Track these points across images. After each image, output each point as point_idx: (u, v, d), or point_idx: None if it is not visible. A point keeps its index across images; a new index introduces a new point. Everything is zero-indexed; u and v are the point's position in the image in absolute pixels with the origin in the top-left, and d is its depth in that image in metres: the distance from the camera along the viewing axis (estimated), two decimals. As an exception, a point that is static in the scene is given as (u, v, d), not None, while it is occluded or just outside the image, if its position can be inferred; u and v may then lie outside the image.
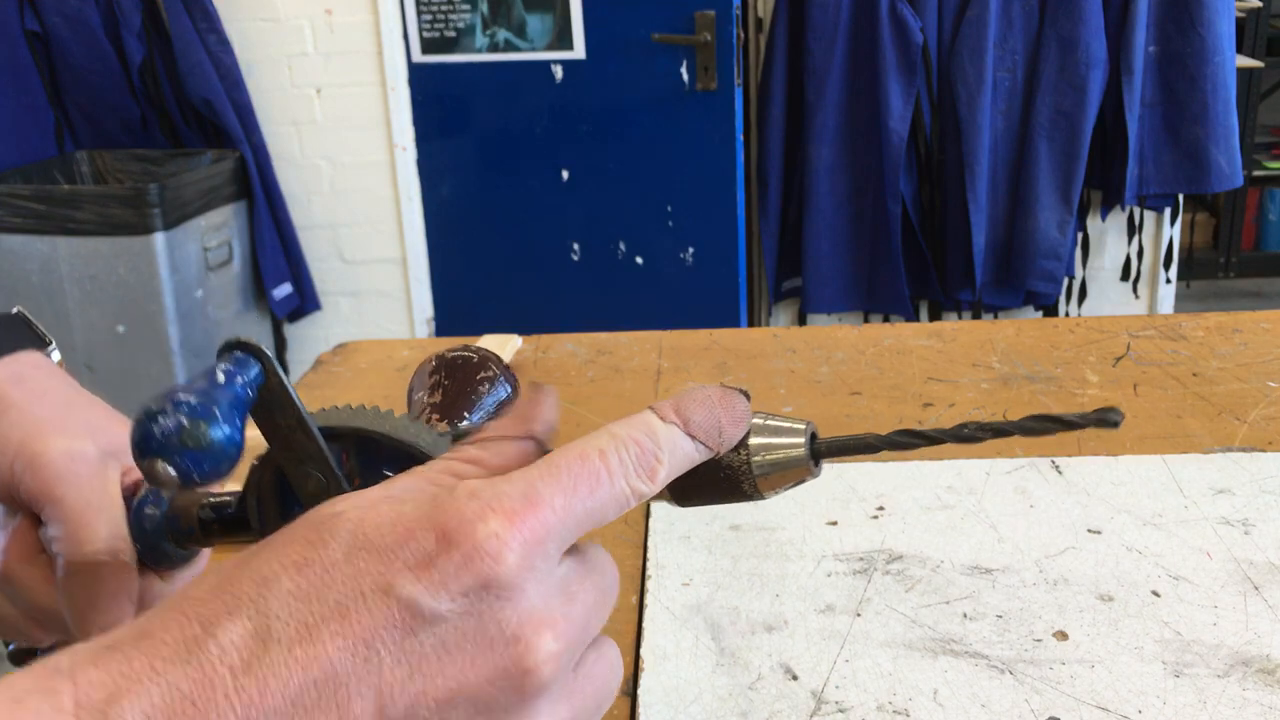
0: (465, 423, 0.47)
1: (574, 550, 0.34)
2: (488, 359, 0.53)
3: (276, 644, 0.28)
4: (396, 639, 0.29)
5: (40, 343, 0.55)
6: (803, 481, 0.39)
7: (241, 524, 0.44)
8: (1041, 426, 0.36)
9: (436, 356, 0.53)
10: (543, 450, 0.36)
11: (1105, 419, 0.35)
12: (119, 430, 0.50)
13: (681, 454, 0.36)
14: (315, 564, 0.30)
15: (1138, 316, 1.20)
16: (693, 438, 0.36)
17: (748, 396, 0.38)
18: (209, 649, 0.28)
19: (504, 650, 0.30)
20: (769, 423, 0.39)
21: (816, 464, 0.39)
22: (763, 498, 0.39)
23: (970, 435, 0.38)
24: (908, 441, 0.39)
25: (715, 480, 0.38)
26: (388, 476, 0.36)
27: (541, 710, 0.31)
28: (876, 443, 0.39)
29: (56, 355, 0.55)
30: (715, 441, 0.37)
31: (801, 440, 0.39)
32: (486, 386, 0.50)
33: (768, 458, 0.38)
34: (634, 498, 0.34)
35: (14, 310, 0.57)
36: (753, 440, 0.38)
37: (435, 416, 0.48)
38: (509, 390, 0.52)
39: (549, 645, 0.30)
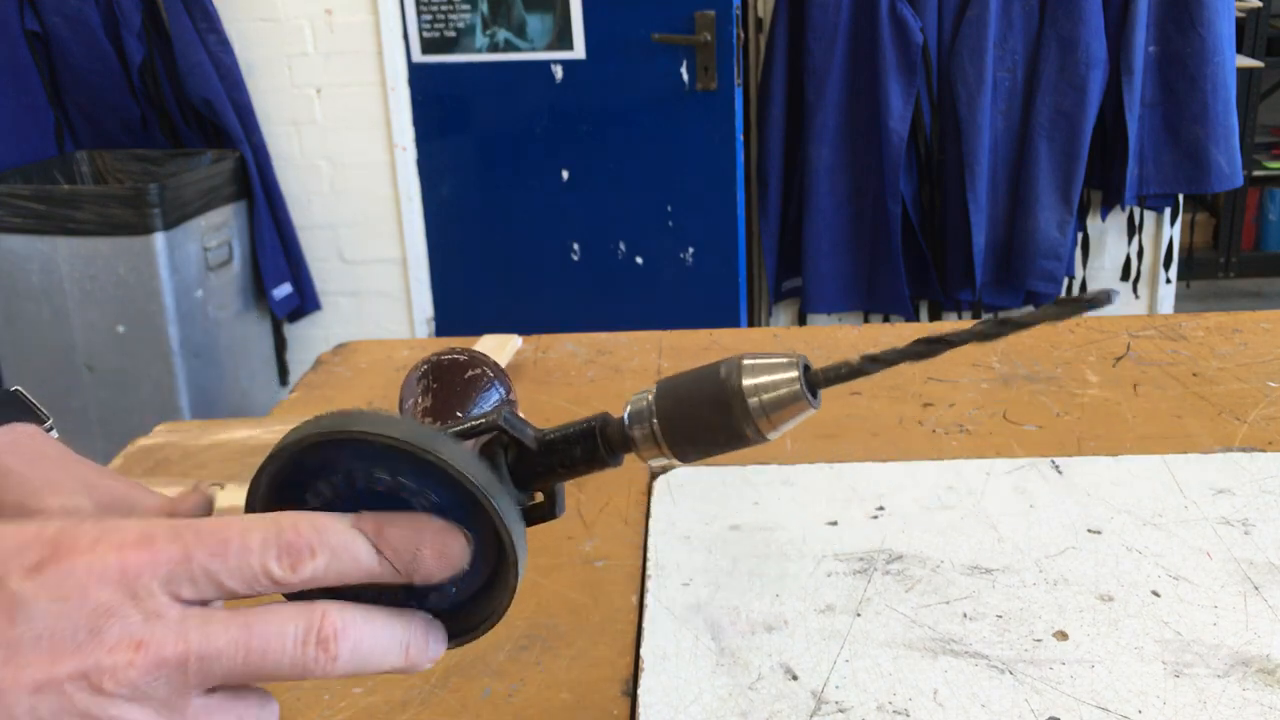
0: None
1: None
2: (477, 359, 0.52)
3: None
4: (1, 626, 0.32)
5: (38, 419, 0.56)
6: (803, 415, 0.39)
7: None
8: (1055, 312, 0.34)
9: (424, 361, 0.52)
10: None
11: (1099, 299, 0.34)
12: (112, 485, 0.52)
13: (351, 561, 0.36)
14: None
15: (1138, 316, 1.20)
16: (379, 552, 0.36)
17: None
18: None
19: (87, 655, 0.32)
20: (759, 361, 0.39)
21: (814, 396, 0.39)
22: (765, 439, 0.39)
23: (988, 332, 0.36)
24: (898, 357, 0.38)
25: (714, 428, 0.38)
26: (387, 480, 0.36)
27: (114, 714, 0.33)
28: (869, 365, 0.38)
29: (54, 434, 0.56)
30: (404, 567, 0.36)
31: (795, 374, 0.38)
32: (478, 385, 0.49)
33: (764, 397, 0.38)
34: (265, 579, 0.34)
35: (12, 389, 0.59)
36: (745, 381, 0.38)
37: (427, 421, 0.47)
38: (502, 393, 0.51)
39: (127, 658, 0.32)
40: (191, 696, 0.34)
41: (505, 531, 0.37)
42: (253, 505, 0.38)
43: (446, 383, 0.49)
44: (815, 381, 0.39)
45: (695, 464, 0.40)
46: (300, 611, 0.35)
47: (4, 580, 0.32)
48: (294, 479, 0.38)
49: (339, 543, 0.35)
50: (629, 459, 0.41)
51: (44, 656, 0.32)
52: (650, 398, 0.40)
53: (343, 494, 0.37)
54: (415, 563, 0.36)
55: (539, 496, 0.41)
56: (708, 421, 0.38)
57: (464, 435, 0.39)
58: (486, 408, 0.49)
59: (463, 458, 0.36)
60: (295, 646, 0.34)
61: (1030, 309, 0.37)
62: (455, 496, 0.37)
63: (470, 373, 0.50)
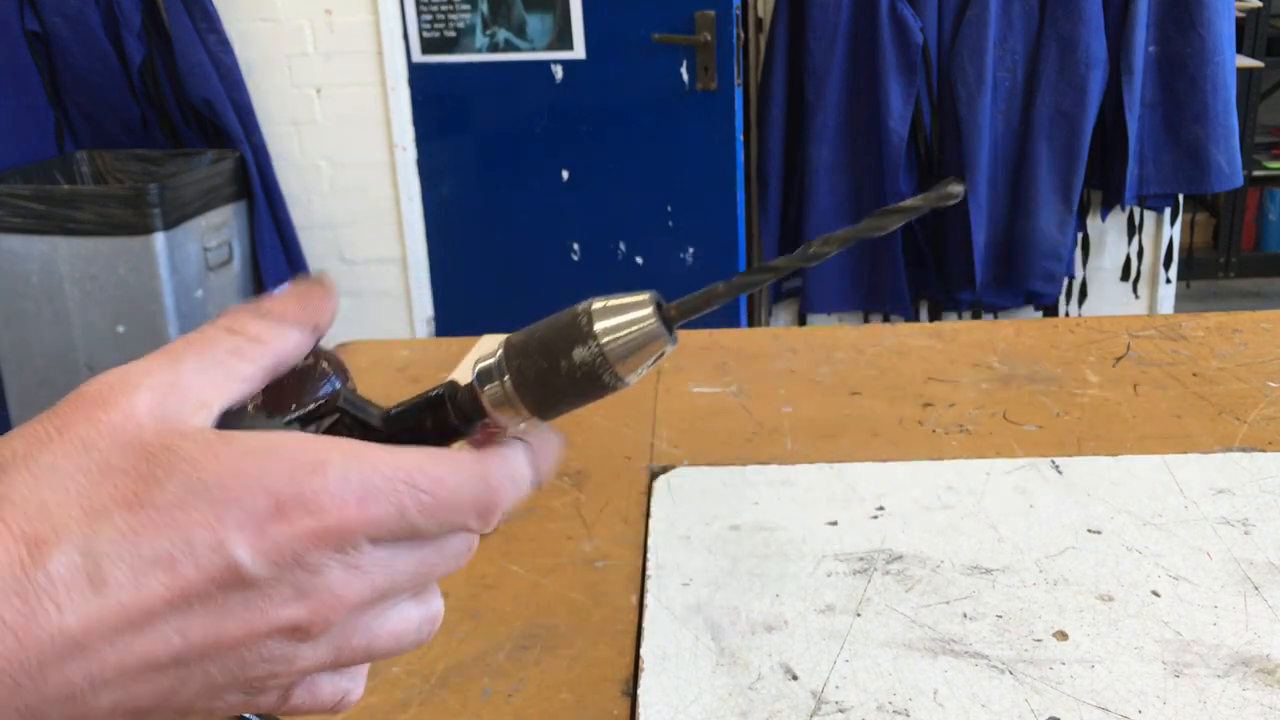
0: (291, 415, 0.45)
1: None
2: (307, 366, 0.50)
3: (107, 587, 0.29)
4: (211, 594, 0.30)
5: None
6: (662, 355, 0.37)
7: None
8: (881, 221, 0.34)
9: None
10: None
11: (944, 193, 0.33)
12: None
13: (520, 500, 0.36)
14: (148, 505, 0.29)
15: (1138, 316, 1.20)
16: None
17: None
18: (37, 579, 0.28)
19: (294, 611, 0.31)
20: (610, 303, 0.37)
21: (671, 333, 0.37)
22: (626, 384, 0.37)
23: (815, 253, 0.36)
24: (751, 280, 0.37)
25: (571, 379, 0.36)
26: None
27: (304, 655, 0.32)
28: (723, 290, 0.37)
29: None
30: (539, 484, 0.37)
31: (649, 311, 0.37)
32: (310, 376, 0.47)
33: (619, 340, 0.36)
34: (460, 530, 0.35)
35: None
36: (598, 325, 0.36)
37: (262, 414, 0.46)
38: (337, 384, 0.49)
39: (332, 617, 0.32)
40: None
41: None
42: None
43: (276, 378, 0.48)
44: (670, 317, 0.37)
45: (552, 420, 0.38)
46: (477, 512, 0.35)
47: (223, 544, 0.30)
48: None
49: (522, 491, 0.36)
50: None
51: (250, 620, 0.31)
52: (499, 355, 0.38)
53: None
54: (545, 478, 0.37)
55: None
56: (563, 372, 0.36)
57: (305, 421, 0.38)
58: (318, 400, 0.47)
59: None
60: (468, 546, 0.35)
61: (856, 225, 0.37)
62: None
63: (301, 364, 0.48)
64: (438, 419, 0.38)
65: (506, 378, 0.37)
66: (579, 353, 0.36)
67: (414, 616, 0.35)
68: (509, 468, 0.35)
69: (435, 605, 0.36)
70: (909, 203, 0.34)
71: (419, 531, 0.33)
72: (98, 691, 0.29)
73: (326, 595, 0.31)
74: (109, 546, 0.29)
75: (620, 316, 0.37)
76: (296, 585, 0.31)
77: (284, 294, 0.36)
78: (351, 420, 0.38)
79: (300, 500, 0.31)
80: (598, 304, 0.37)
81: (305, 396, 0.45)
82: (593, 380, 0.36)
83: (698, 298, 0.37)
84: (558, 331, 0.37)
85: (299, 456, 0.31)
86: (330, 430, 0.39)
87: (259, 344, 0.35)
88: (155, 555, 0.29)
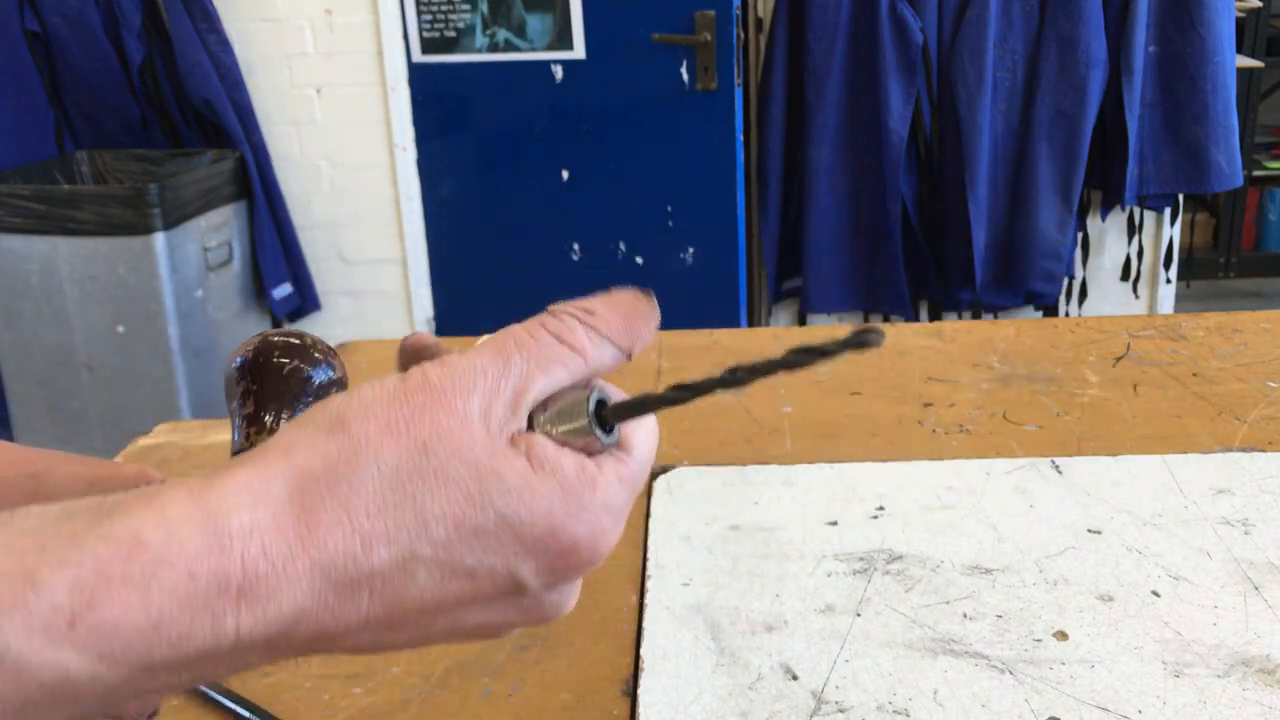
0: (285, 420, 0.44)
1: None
2: (293, 347, 0.48)
3: (416, 584, 0.33)
4: (494, 603, 0.35)
5: None
6: (600, 452, 0.37)
7: None
8: (800, 359, 0.36)
9: (241, 355, 0.48)
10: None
11: (864, 340, 0.34)
12: None
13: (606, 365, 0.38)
14: (470, 522, 0.33)
15: (1138, 316, 1.20)
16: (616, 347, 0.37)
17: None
18: (361, 565, 0.32)
19: (526, 615, 0.36)
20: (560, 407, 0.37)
21: (609, 433, 0.37)
22: None
23: (736, 379, 0.37)
24: (678, 396, 0.37)
25: None
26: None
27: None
28: (652, 401, 0.37)
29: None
30: (630, 346, 0.38)
31: (585, 419, 0.36)
32: (297, 378, 0.47)
33: (556, 430, 0.36)
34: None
35: None
36: (540, 416, 0.36)
37: (252, 430, 0.45)
38: (329, 375, 0.48)
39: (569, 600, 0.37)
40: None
41: None
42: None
43: (264, 384, 0.47)
44: (606, 419, 0.36)
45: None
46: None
47: (519, 574, 0.34)
48: None
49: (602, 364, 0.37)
50: None
51: (518, 612, 0.36)
52: None
53: None
54: (638, 340, 0.38)
55: None
56: None
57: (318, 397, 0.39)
58: (311, 398, 0.47)
59: None
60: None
61: (778, 357, 0.37)
62: None
63: (287, 367, 0.48)
64: None
65: None
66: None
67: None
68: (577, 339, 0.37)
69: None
70: (828, 345, 0.35)
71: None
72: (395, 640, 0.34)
73: (548, 610, 0.36)
74: (429, 553, 0.33)
75: (559, 405, 0.36)
76: (537, 601, 0.36)
77: (612, 305, 0.37)
78: None
79: (588, 544, 0.35)
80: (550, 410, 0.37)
81: (294, 402, 0.45)
82: None
83: (631, 404, 0.37)
84: None
85: (593, 501, 0.35)
86: None
87: (581, 356, 0.36)
88: (461, 566, 0.33)
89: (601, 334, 0.36)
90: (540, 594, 0.35)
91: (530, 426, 0.36)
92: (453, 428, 0.33)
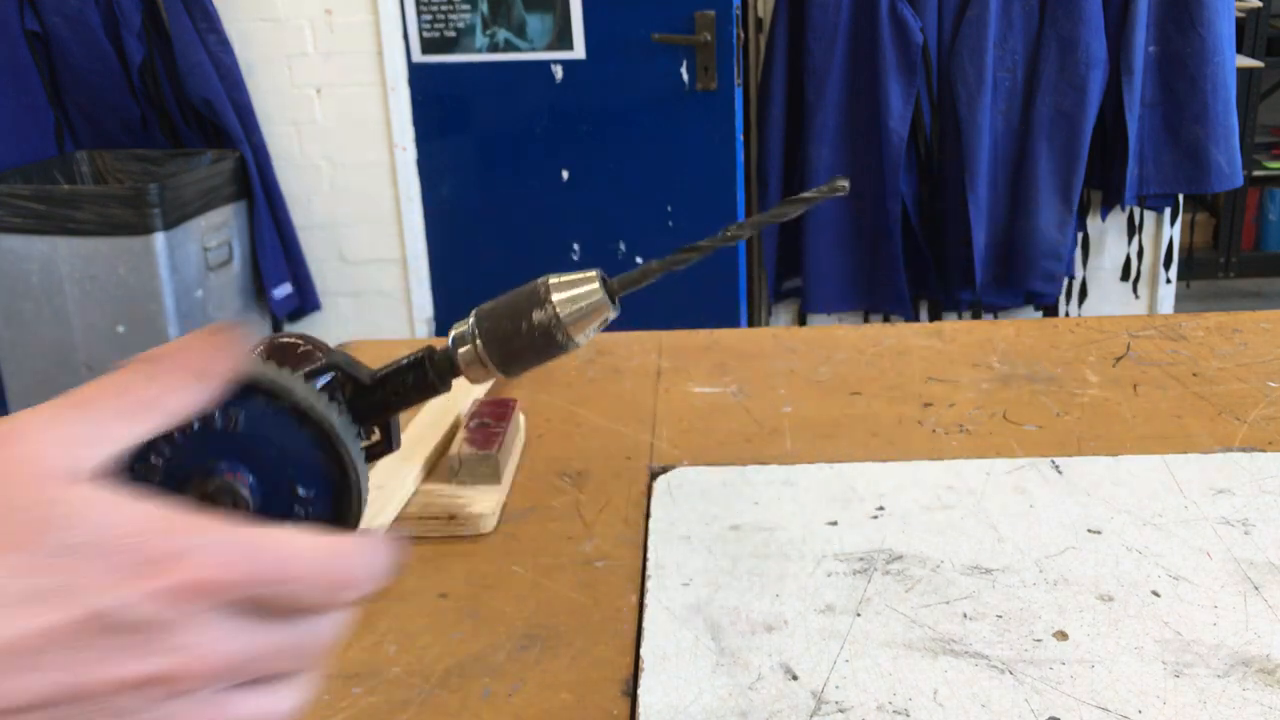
0: None
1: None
2: (305, 340, 0.55)
3: None
4: (80, 637, 0.30)
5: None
6: (606, 321, 0.45)
7: None
8: (786, 210, 0.45)
9: (258, 345, 0.54)
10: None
11: (835, 187, 0.42)
12: None
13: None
14: (35, 551, 0.30)
15: (1138, 316, 1.20)
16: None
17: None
18: None
19: (156, 662, 0.31)
20: (564, 278, 0.45)
21: (614, 303, 0.46)
22: (576, 344, 0.45)
23: (733, 235, 0.46)
24: (679, 259, 0.47)
25: (531, 339, 0.44)
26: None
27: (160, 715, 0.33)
28: (656, 267, 0.47)
29: None
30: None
31: (597, 285, 0.45)
32: (311, 360, 0.50)
33: (572, 308, 0.44)
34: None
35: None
36: (555, 296, 0.44)
37: None
38: (330, 378, 0.53)
39: (192, 674, 0.32)
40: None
41: (354, 471, 0.39)
42: None
43: (281, 361, 0.52)
44: (613, 290, 0.46)
45: (518, 375, 0.45)
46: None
47: (102, 595, 0.31)
48: None
49: (375, 569, 0.36)
50: None
51: (114, 663, 0.31)
52: (471, 321, 0.45)
53: (194, 434, 0.38)
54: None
55: (376, 435, 0.44)
56: (524, 333, 0.44)
57: (309, 376, 0.42)
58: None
59: (318, 399, 0.38)
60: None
61: (746, 220, 0.46)
62: (308, 436, 0.39)
63: (302, 349, 0.54)
64: (418, 377, 0.45)
65: (478, 340, 0.44)
66: (538, 315, 0.44)
67: (265, 706, 0.35)
68: (364, 544, 0.36)
69: (285, 704, 0.36)
70: (806, 194, 0.44)
71: (276, 600, 0.33)
72: None
73: (184, 652, 0.32)
74: None
75: (572, 290, 0.45)
76: (157, 638, 0.31)
77: (184, 347, 0.36)
78: (344, 376, 0.43)
79: (173, 555, 0.31)
80: (554, 279, 0.45)
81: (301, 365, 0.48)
82: (548, 340, 0.44)
83: (636, 274, 0.47)
84: (520, 299, 0.45)
85: (175, 519, 0.33)
86: (325, 388, 0.43)
87: (165, 399, 0.35)
88: (27, 595, 0.30)
89: (175, 379, 0.35)
90: (131, 634, 0.31)
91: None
92: (20, 456, 0.31)
